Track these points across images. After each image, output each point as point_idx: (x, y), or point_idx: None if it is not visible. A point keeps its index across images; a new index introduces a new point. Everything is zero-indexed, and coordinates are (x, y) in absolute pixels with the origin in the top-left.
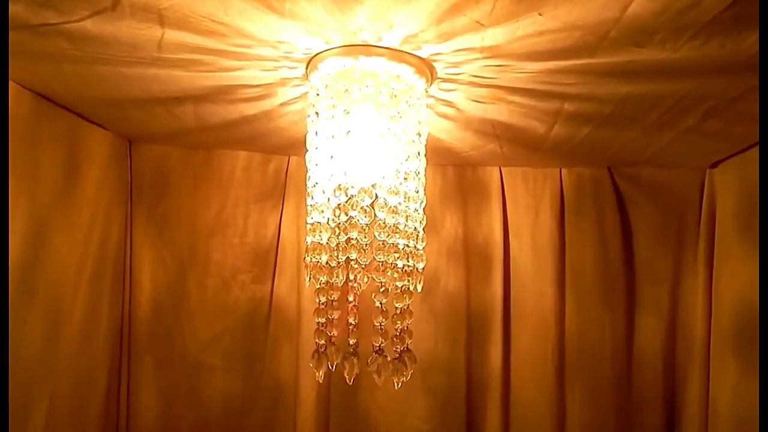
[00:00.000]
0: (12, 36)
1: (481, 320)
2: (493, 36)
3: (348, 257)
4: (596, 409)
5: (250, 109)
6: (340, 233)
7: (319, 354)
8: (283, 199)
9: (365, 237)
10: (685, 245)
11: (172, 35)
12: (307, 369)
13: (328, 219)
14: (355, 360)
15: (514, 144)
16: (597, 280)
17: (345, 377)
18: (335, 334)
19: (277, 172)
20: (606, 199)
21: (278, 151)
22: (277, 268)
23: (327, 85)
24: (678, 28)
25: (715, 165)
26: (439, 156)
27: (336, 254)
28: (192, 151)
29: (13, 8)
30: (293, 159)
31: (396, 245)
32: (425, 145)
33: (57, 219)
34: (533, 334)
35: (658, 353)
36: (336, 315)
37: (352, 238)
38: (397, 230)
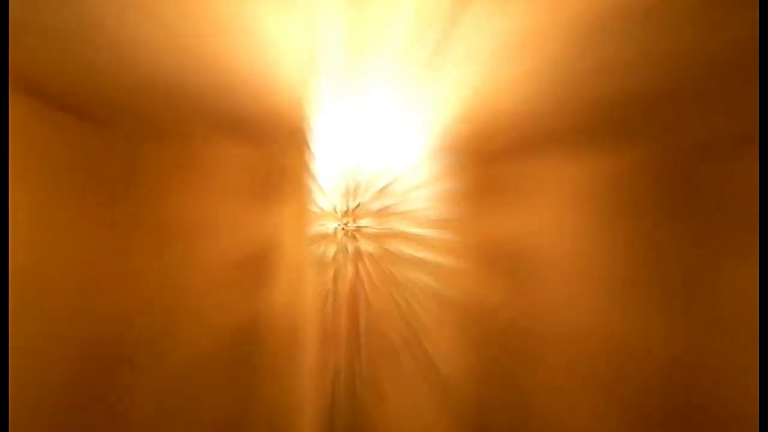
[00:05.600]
0: None
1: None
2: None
3: (357, 247)
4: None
5: (254, 104)
6: (348, 222)
7: (325, 344)
8: (281, 195)
9: (376, 224)
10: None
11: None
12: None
13: (335, 208)
14: (364, 351)
15: (532, 138)
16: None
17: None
18: (341, 327)
19: (277, 167)
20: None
21: (277, 146)
22: (276, 267)
23: (335, 72)
24: None
25: (708, 158)
26: (456, 152)
27: (345, 244)
28: (191, 147)
29: None
30: (292, 155)
31: (406, 234)
32: (440, 139)
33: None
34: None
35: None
36: (340, 308)
37: (362, 226)
38: (407, 217)
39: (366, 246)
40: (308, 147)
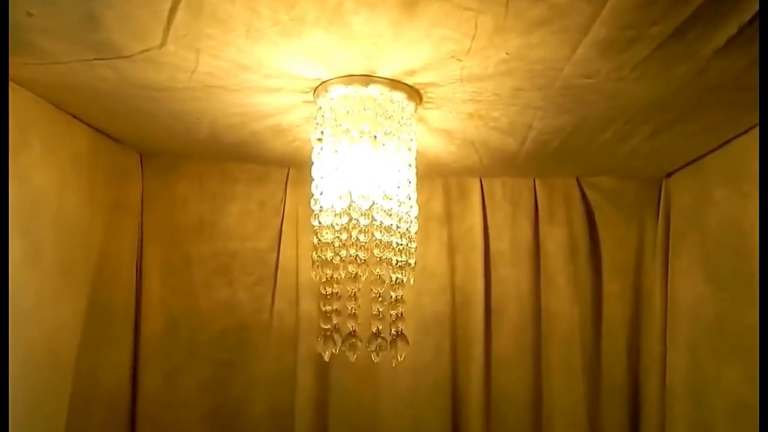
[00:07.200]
0: (68, 67)
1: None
2: (470, 69)
3: (349, 253)
4: (566, 370)
5: (260, 127)
6: (342, 233)
7: (325, 337)
8: (284, 207)
9: (365, 236)
10: (644, 244)
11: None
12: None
13: (332, 222)
14: (357, 342)
15: (493, 158)
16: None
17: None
18: (337, 323)
19: (278, 182)
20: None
21: (279, 164)
22: (278, 270)
23: (332, 108)
24: (618, 65)
25: (669, 175)
26: (429, 169)
27: (339, 251)
28: (199, 163)
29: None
30: (292, 171)
31: (390, 243)
32: (416, 158)
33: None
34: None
35: (622, 337)
36: (337, 306)
37: (353, 237)
38: (392, 230)
39: (355, 252)
40: (311, 170)
